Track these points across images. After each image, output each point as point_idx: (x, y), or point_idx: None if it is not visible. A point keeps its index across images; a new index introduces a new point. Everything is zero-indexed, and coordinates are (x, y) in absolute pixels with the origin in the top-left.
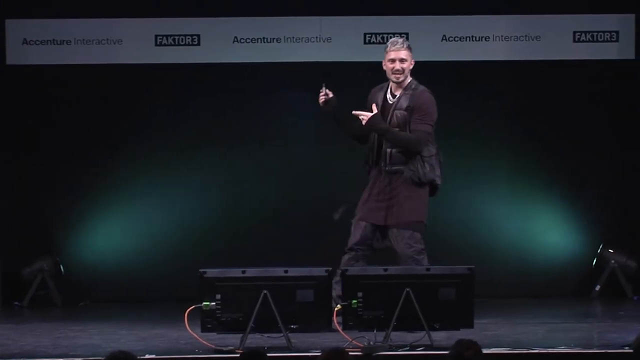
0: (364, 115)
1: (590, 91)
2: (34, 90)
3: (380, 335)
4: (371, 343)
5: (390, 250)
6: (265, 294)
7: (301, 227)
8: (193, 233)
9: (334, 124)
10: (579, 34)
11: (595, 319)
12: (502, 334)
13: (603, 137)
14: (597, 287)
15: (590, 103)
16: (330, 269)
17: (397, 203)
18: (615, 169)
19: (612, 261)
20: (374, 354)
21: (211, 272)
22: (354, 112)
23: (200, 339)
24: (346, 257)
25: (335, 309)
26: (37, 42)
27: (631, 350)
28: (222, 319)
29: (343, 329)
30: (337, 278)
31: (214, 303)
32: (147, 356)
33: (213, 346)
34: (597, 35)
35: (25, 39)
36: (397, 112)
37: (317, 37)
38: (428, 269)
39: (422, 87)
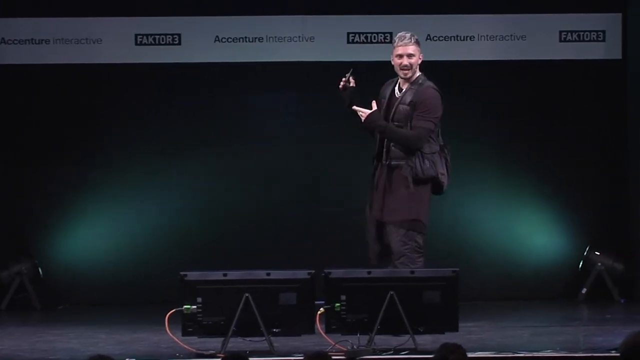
0: (363, 112)
1: (576, 91)
2: (13, 90)
3: (363, 339)
4: (355, 347)
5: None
6: (247, 297)
7: (285, 228)
8: (174, 235)
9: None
10: (565, 33)
11: (582, 322)
12: (487, 337)
13: (589, 138)
14: (584, 290)
15: (577, 103)
16: (313, 271)
17: (394, 199)
18: (601, 171)
19: (599, 264)
20: (357, 358)
21: (192, 275)
22: (353, 107)
23: (181, 343)
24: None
25: (318, 312)
26: (16, 42)
27: (618, 354)
28: (204, 323)
29: (326, 333)
30: None
31: (195, 306)
32: None
33: (194, 350)
34: (583, 35)
35: (3, 39)
36: (401, 107)
37: (299, 37)
38: (412, 272)
39: (428, 83)
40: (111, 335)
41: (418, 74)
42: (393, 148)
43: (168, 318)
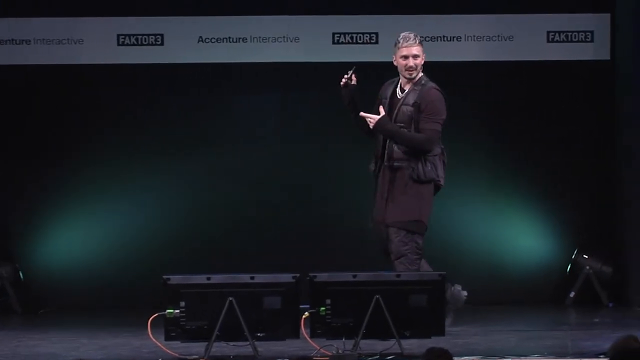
0: (372, 118)
1: (564, 93)
2: None
3: (349, 344)
4: (340, 351)
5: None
6: (231, 301)
7: (270, 231)
8: (157, 238)
9: (349, 111)
10: (552, 34)
11: (570, 327)
12: (474, 341)
13: (577, 140)
14: (572, 294)
15: (565, 105)
16: (298, 275)
17: (396, 201)
18: (590, 172)
19: (587, 267)
20: None
21: (175, 279)
22: (361, 114)
23: (164, 348)
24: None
25: (303, 316)
26: None
27: (606, 359)
28: (187, 327)
29: (311, 337)
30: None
31: (178, 310)
32: None
33: (177, 355)
34: (571, 36)
35: None
36: (404, 108)
37: (284, 37)
38: (398, 275)
39: (431, 84)
40: (93, 340)
41: (420, 74)
42: (395, 149)
43: (151, 322)
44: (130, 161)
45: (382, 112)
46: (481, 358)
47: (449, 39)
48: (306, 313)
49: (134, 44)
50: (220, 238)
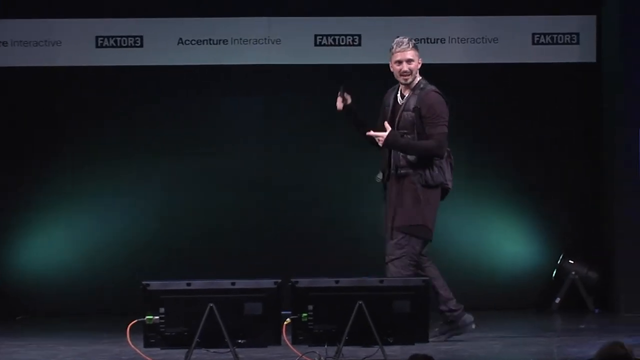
0: (380, 136)
1: (550, 95)
2: None
3: (331, 350)
4: (322, 358)
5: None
6: (211, 307)
7: (252, 235)
8: (137, 243)
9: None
10: (538, 36)
11: (555, 333)
12: (458, 348)
13: (563, 144)
14: (557, 300)
15: (550, 108)
16: (280, 280)
17: (402, 206)
18: (575, 176)
19: (573, 272)
20: None
21: (155, 285)
22: (368, 134)
23: (143, 355)
24: None
25: (285, 322)
26: None
27: None
28: (166, 334)
29: (293, 344)
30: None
31: (157, 317)
32: None
33: None
34: (557, 38)
35: None
36: (405, 114)
37: (265, 39)
38: (381, 281)
39: (430, 87)
40: (71, 347)
41: (418, 78)
42: (401, 157)
43: (130, 329)
44: (107, 165)
45: (388, 127)
46: None
47: (432, 41)
48: (288, 319)
49: (113, 46)
50: (201, 242)
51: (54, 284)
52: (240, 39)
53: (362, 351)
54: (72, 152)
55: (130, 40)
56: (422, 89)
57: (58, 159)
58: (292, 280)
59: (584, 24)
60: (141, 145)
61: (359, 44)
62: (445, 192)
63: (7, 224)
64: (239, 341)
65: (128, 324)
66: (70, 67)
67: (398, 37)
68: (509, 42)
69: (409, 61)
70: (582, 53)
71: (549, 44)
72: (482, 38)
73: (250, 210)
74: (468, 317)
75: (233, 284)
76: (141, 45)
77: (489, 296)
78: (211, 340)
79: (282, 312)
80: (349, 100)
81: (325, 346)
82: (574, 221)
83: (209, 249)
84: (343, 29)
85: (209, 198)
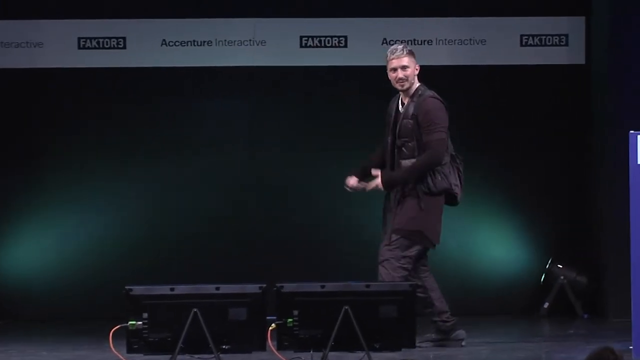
0: (377, 184)
1: (538, 98)
2: None
3: (317, 356)
4: None
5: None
6: (195, 312)
7: (236, 239)
8: (120, 247)
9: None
10: (526, 37)
11: (543, 338)
12: (446, 354)
13: (552, 147)
14: (546, 305)
15: (538, 110)
16: (265, 285)
17: (402, 211)
18: (564, 180)
19: (561, 277)
20: None
21: (138, 290)
22: (367, 189)
23: None
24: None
25: (270, 328)
26: None
27: None
28: (150, 339)
29: (278, 349)
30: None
31: (140, 322)
32: None
33: None
34: (545, 39)
35: None
36: (404, 122)
37: (250, 40)
38: (368, 286)
39: (428, 93)
40: (53, 352)
41: (417, 84)
42: (404, 164)
43: (112, 334)
44: (90, 169)
45: (375, 172)
46: None
47: (419, 42)
48: (273, 324)
49: (95, 47)
50: (185, 247)
51: (36, 289)
52: (225, 40)
53: (348, 357)
54: (53, 156)
55: (113, 41)
56: (420, 95)
57: (40, 162)
58: (277, 285)
59: (573, 25)
60: (125, 148)
61: (345, 46)
62: (452, 197)
63: None
64: (224, 347)
65: (111, 330)
66: (52, 68)
67: (393, 44)
68: (497, 43)
69: (404, 68)
70: (571, 54)
71: (537, 45)
72: (470, 39)
73: (234, 214)
74: (461, 333)
75: (217, 288)
76: (124, 47)
77: (477, 301)
78: (195, 346)
79: (267, 317)
80: (360, 187)
81: (311, 352)
82: (562, 226)
83: (192, 253)
84: (329, 30)
85: (191, 202)
